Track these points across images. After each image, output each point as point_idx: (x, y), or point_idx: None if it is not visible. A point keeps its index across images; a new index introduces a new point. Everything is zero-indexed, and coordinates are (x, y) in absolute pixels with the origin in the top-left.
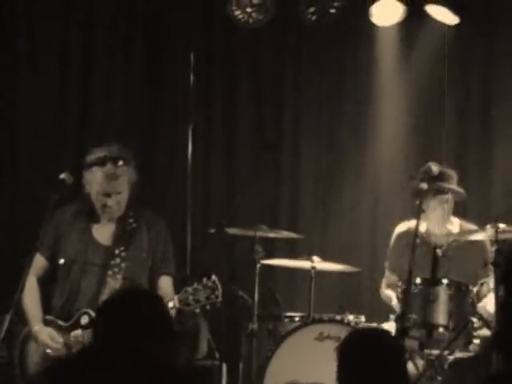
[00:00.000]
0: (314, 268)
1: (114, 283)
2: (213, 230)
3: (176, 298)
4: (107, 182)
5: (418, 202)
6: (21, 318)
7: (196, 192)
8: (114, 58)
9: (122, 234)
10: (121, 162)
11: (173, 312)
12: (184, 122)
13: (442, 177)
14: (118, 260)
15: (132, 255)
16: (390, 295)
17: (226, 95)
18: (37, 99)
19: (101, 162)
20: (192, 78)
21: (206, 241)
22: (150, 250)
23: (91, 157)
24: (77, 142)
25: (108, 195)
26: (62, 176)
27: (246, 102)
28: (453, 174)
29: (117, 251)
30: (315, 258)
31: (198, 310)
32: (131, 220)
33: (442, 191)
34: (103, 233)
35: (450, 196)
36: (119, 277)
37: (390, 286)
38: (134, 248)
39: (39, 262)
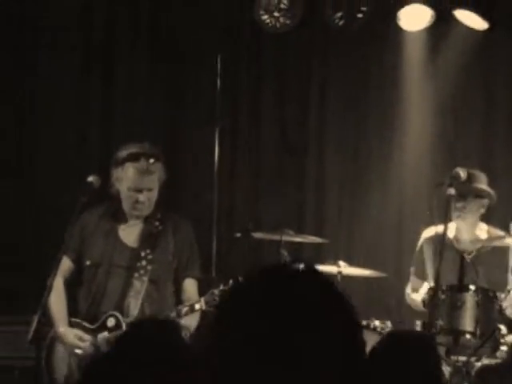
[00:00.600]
0: (340, 273)
1: (139, 285)
2: (238, 234)
3: (202, 299)
4: (140, 177)
5: (445, 208)
6: (48, 320)
7: (222, 195)
8: (138, 59)
9: (148, 236)
10: (153, 159)
11: (198, 314)
12: (210, 126)
13: (474, 179)
14: (144, 262)
15: (158, 258)
16: (416, 300)
17: (252, 99)
18: (59, 101)
19: (134, 158)
20: (218, 81)
21: (231, 245)
22: (176, 253)
23: (123, 153)
24: (101, 145)
25: (140, 191)
26: (90, 179)
27: (271, 106)
28: (483, 176)
29: (143, 253)
30: (341, 262)
31: None
32: (157, 223)
33: (480, 195)
34: (129, 235)
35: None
36: (145, 279)
37: (415, 290)
38: (160, 250)
39: (66, 264)
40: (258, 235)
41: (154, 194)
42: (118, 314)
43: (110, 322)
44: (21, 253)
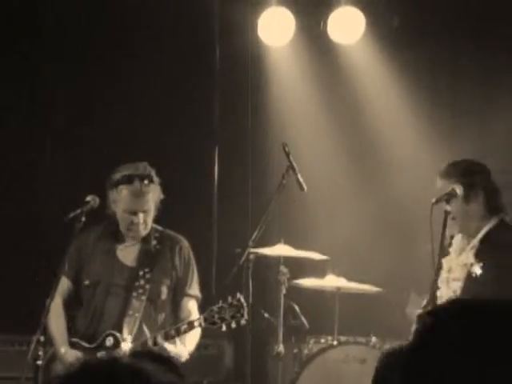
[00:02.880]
0: (339, 289)
1: (138, 304)
2: (238, 250)
3: (202, 316)
4: (134, 199)
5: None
6: (48, 340)
7: (222, 212)
8: (137, 73)
9: (146, 255)
10: (147, 180)
11: (198, 331)
12: (210, 142)
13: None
14: (142, 281)
15: (156, 277)
16: (414, 314)
17: (251, 113)
18: (58, 116)
19: (127, 180)
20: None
21: (231, 261)
22: (174, 272)
23: (117, 175)
24: (99, 162)
25: (134, 213)
26: (88, 198)
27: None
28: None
29: (141, 273)
30: (341, 278)
31: (224, 329)
32: (155, 242)
33: None
34: (128, 254)
35: None
36: (144, 298)
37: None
38: (158, 270)
39: (64, 284)
40: (257, 251)
41: (150, 215)
42: (116, 333)
43: (109, 342)
44: (22, 272)
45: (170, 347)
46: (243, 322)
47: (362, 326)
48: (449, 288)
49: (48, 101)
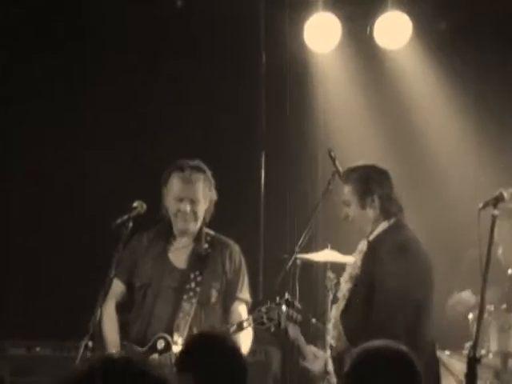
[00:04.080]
0: None
1: (188, 307)
2: (285, 256)
3: (250, 317)
4: (182, 186)
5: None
6: (96, 344)
7: (268, 217)
8: (184, 79)
9: (197, 258)
10: (196, 170)
11: (250, 333)
12: (257, 147)
13: None
14: (193, 284)
15: (207, 280)
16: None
17: (298, 119)
18: (105, 121)
19: (178, 168)
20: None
21: (278, 267)
22: (225, 276)
23: (170, 167)
24: (147, 168)
25: (181, 200)
26: (135, 204)
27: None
28: None
29: (192, 275)
30: None
31: (272, 329)
32: (206, 245)
33: None
34: (179, 256)
35: None
36: (194, 301)
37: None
38: (209, 273)
39: (117, 287)
40: (304, 256)
41: (199, 207)
42: (167, 336)
43: (160, 345)
44: (69, 277)
45: None
46: (292, 322)
47: None
48: (340, 290)
49: (96, 106)
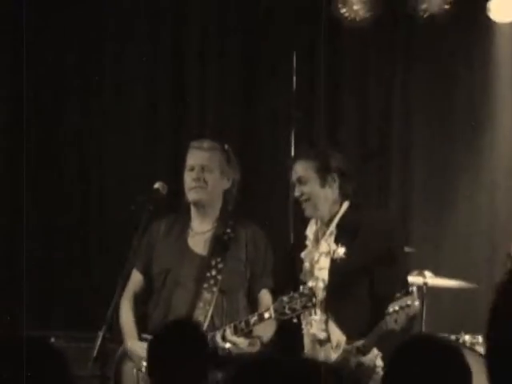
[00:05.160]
0: (425, 284)
1: (209, 296)
2: None
3: (271, 308)
4: (194, 152)
5: None
6: (114, 336)
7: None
8: (210, 57)
9: (218, 243)
10: (213, 141)
11: (271, 323)
12: (286, 126)
13: None
14: (214, 272)
15: (229, 267)
16: None
17: (329, 98)
18: (125, 99)
19: (196, 138)
20: (294, 79)
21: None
22: (249, 263)
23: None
24: (171, 149)
25: (192, 168)
26: (156, 185)
27: (350, 106)
28: None
29: (213, 262)
30: (427, 273)
31: (295, 320)
32: (229, 229)
33: None
34: (199, 242)
35: None
36: (215, 289)
37: None
38: (232, 259)
39: (136, 277)
40: None
41: (212, 178)
42: None
43: None
44: (85, 266)
45: (240, 341)
46: (316, 317)
47: (452, 324)
48: (316, 278)
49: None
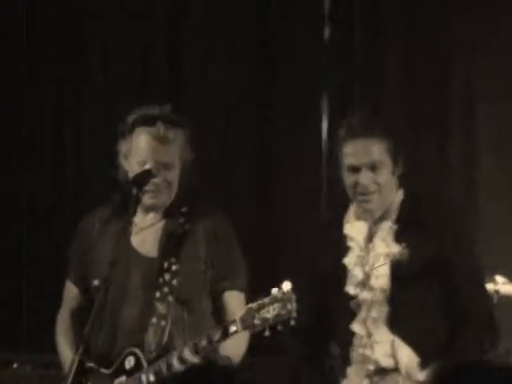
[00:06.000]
0: (497, 292)
1: (164, 308)
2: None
3: (238, 319)
4: (153, 146)
5: None
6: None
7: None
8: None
9: (170, 239)
10: (174, 124)
11: (241, 337)
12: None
13: None
14: (167, 276)
15: (186, 268)
16: None
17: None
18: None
19: (147, 121)
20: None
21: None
22: (210, 259)
23: (132, 117)
24: None
25: (143, 164)
26: (148, 166)
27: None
28: None
29: (165, 264)
30: (499, 278)
31: (267, 333)
32: (182, 219)
33: None
34: (146, 240)
35: None
36: (171, 299)
37: None
38: (188, 257)
39: (71, 291)
40: None
41: (174, 175)
42: (137, 351)
43: (129, 363)
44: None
45: (197, 361)
46: (292, 322)
47: None
48: (373, 289)
49: None
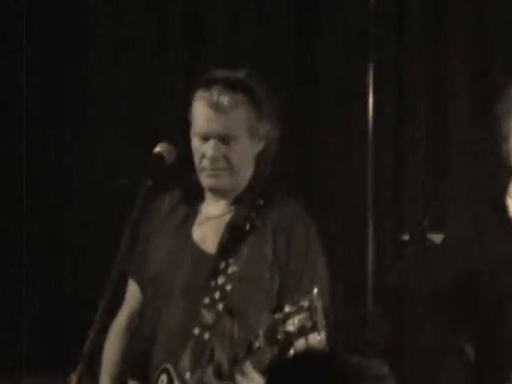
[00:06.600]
0: None
1: (210, 318)
2: (407, 237)
3: (261, 332)
4: (208, 115)
5: None
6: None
7: (380, 180)
8: None
9: (233, 235)
10: (236, 87)
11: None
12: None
13: None
14: (221, 279)
15: (245, 271)
16: None
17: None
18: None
19: (205, 85)
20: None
21: (396, 252)
22: (277, 266)
23: (196, 78)
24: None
25: (206, 138)
26: (158, 149)
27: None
28: None
29: (222, 264)
30: None
31: (291, 352)
32: (253, 213)
33: None
34: (208, 233)
35: None
36: (220, 307)
37: None
38: (251, 259)
39: (133, 290)
40: (436, 237)
41: (237, 152)
42: (171, 369)
43: (161, 383)
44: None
45: None
46: (318, 337)
47: None
48: None
49: None
